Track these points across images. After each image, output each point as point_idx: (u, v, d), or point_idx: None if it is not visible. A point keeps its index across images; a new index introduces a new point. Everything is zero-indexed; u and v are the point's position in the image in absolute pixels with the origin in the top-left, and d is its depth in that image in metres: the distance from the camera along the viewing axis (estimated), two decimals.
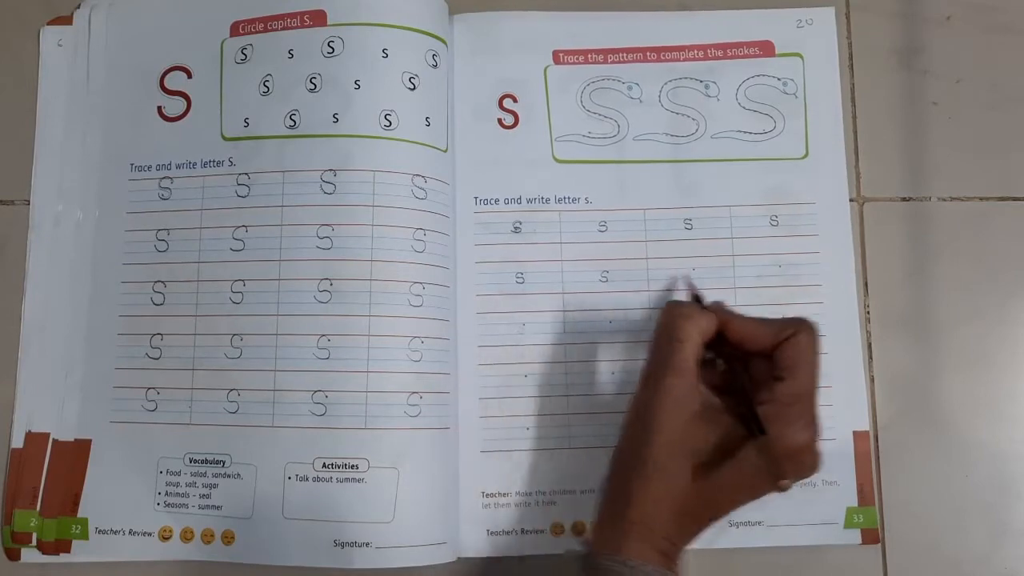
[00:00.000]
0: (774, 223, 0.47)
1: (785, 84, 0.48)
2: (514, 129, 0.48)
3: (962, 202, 0.48)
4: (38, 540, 0.44)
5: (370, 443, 0.42)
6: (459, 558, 0.44)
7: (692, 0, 0.49)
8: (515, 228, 0.47)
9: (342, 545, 0.41)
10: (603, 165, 0.47)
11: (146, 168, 0.47)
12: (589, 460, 0.45)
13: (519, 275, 0.46)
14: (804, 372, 0.38)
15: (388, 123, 0.44)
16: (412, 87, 0.45)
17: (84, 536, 0.44)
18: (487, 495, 0.44)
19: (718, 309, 0.41)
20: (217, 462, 0.43)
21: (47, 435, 0.45)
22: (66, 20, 0.48)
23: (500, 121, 0.48)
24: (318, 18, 0.45)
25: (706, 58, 0.48)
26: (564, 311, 0.46)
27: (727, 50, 0.48)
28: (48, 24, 0.48)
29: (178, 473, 0.44)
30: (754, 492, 0.37)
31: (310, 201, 0.44)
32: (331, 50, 0.45)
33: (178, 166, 0.46)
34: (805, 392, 0.37)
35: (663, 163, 0.47)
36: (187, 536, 0.43)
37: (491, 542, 0.44)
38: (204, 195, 0.46)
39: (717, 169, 0.47)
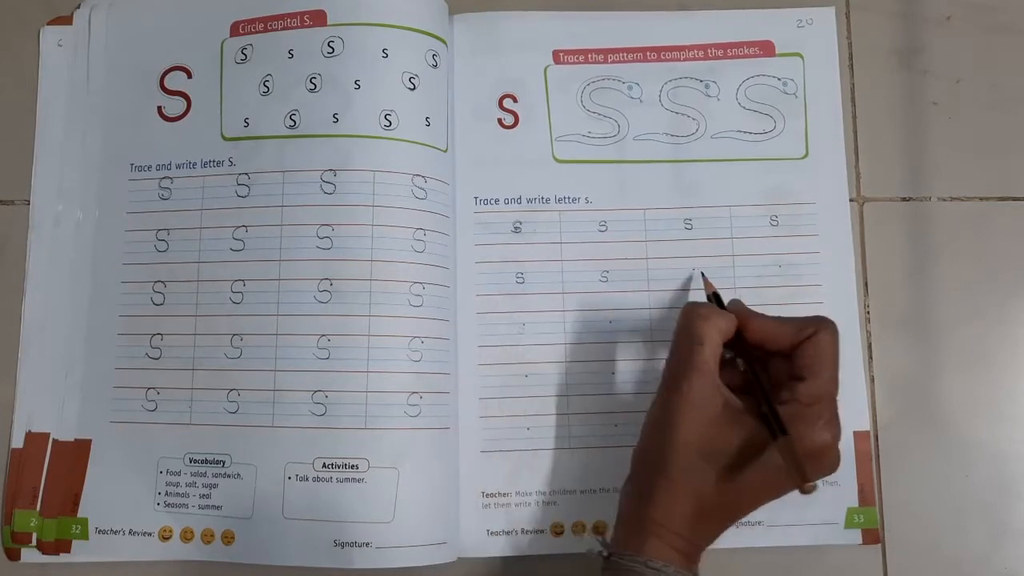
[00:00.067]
0: (774, 223, 0.47)
1: (785, 84, 0.48)
2: (514, 129, 0.48)
3: (962, 202, 0.48)
4: (38, 540, 0.44)
5: (370, 443, 0.42)
6: (459, 558, 0.44)
7: (692, 0, 0.49)
8: (515, 228, 0.47)
9: (342, 545, 0.41)
10: (603, 165, 0.47)
11: (146, 168, 0.47)
12: (589, 460, 0.45)
13: (519, 275, 0.46)
14: (825, 371, 0.38)
15: (388, 123, 0.44)
16: (412, 87, 0.45)
17: (84, 536, 0.44)
18: (487, 495, 0.44)
19: (737, 309, 0.41)
20: (217, 462, 0.43)
21: (47, 435, 0.45)
22: (66, 20, 0.48)
23: (500, 121, 0.48)
24: (318, 18, 0.45)
25: (706, 58, 0.48)
26: (564, 311, 0.46)
27: (727, 50, 0.48)
28: (48, 24, 0.48)
29: (178, 473, 0.44)
30: (777, 492, 0.37)
31: (310, 201, 0.44)
32: (331, 50, 0.45)
33: (178, 166, 0.46)
34: (826, 391, 0.38)
35: (663, 163, 0.47)
36: (187, 536, 0.43)
37: (491, 542, 0.44)
38: (204, 195, 0.46)
39: (717, 169, 0.47)
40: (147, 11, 0.48)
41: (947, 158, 0.48)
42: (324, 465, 0.42)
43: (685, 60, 0.48)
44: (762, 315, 0.40)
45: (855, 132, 0.48)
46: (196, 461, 0.44)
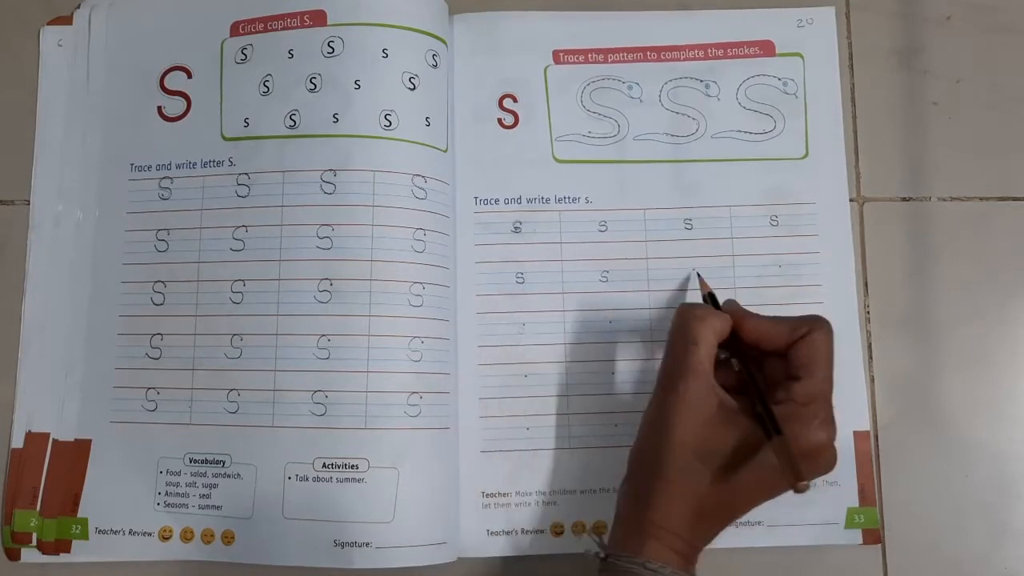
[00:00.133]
0: (774, 223, 0.47)
1: (785, 84, 0.48)
2: (514, 129, 0.48)
3: (962, 202, 0.48)
4: (38, 540, 0.44)
5: (370, 443, 0.42)
6: (459, 558, 0.44)
7: (692, 0, 0.49)
8: (515, 228, 0.47)
9: (342, 545, 0.41)
10: (603, 165, 0.47)
11: (146, 168, 0.47)
12: (589, 460, 0.45)
13: (519, 275, 0.46)
14: (820, 371, 0.38)
15: (388, 123, 0.44)
16: (412, 87, 0.45)
17: (84, 536, 0.44)
18: (487, 495, 0.44)
19: (732, 309, 0.41)
20: (217, 462, 0.43)
21: (47, 435, 0.45)
22: (66, 20, 0.48)
23: (500, 121, 0.48)
24: (318, 18, 0.45)
25: (706, 58, 0.48)
26: (564, 311, 0.46)
27: (727, 50, 0.48)
28: (48, 24, 0.48)
29: (178, 473, 0.44)
30: (772, 492, 0.37)
31: (310, 201, 0.44)
32: (331, 50, 0.45)
33: (178, 166, 0.46)
34: (821, 391, 0.37)
35: (663, 163, 0.47)
36: (187, 536, 0.43)
37: (491, 542, 0.44)
38: (204, 195, 0.46)
39: (717, 169, 0.47)
40: (147, 11, 0.48)
41: (947, 158, 0.48)
42: (324, 465, 0.42)
43: (685, 60, 0.48)
44: (757, 315, 0.40)
45: (855, 132, 0.48)
46: (196, 461, 0.44)
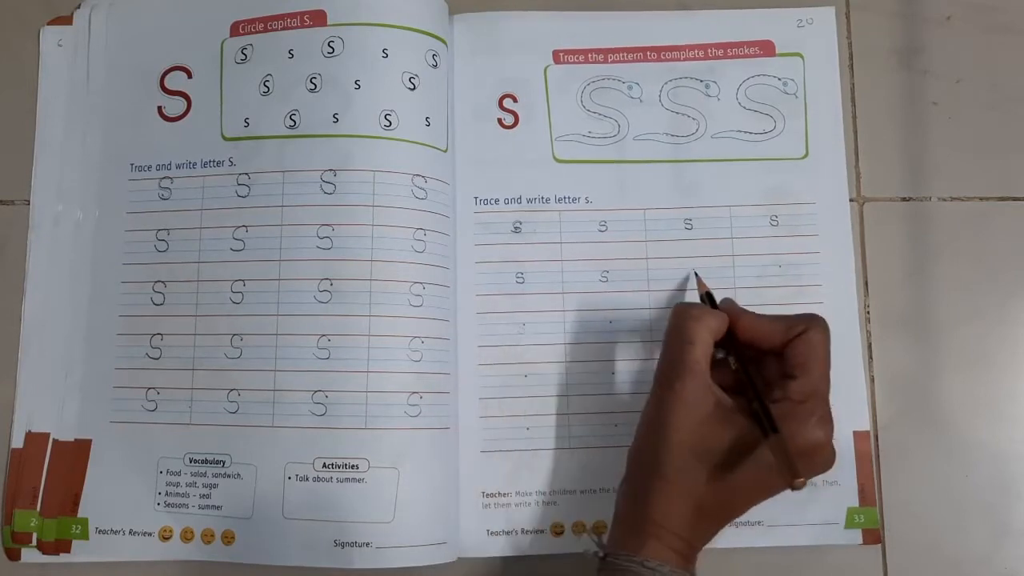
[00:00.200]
0: (774, 223, 0.47)
1: (785, 84, 0.48)
2: (514, 129, 0.48)
3: (962, 202, 0.48)
4: (38, 540, 0.44)
5: (370, 443, 0.42)
6: (459, 558, 0.44)
7: (692, 0, 0.49)
8: (515, 228, 0.47)
9: (342, 545, 0.41)
10: (603, 165, 0.47)
11: (146, 168, 0.47)
12: (589, 460, 0.45)
13: (519, 275, 0.46)
14: (816, 369, 0.38)
15: (388, 123, 0.44)
16: (412, 87, 0.45)
17: (84, 536, 0.44)
18: (487, 495, 0.44)
19: (729, 308, 0.41)
20: (217, 462, 0.43)
21: (47, 435, 0.45)
22: (66, 20, 0.48)
23: (500, 121, 0.48)
24: (318, 18, 0.45)
25: (706, 58, 0.48)
26: (564, 311, 0.46)
27: (727, 50, 0.48)
28: (48, 24, 0.48)
29: (178, 473, 0.44)
30: (770, 491, 0.37)
31: (310, 201, 0.44)
32: (331, 50, 0.45)
33: (178, 166, 0.46)
34: (817, 389, 0.37)
35: (663, 163, 0.47)
36: (187, 536, 0.43)
37: (491, 542, 0.44)
38: (204, 195, 0.46)
39: (717, 169, 0.47)
40: (147, 11, 0.48)
41: (947, 158, 0.48)
42: (324, 465, 0.42)
43: (685, 60, 0.48)
44: (753, 313, 0.40)
45: (855, 132, 0.48)
46: (196, 461, 0.44)
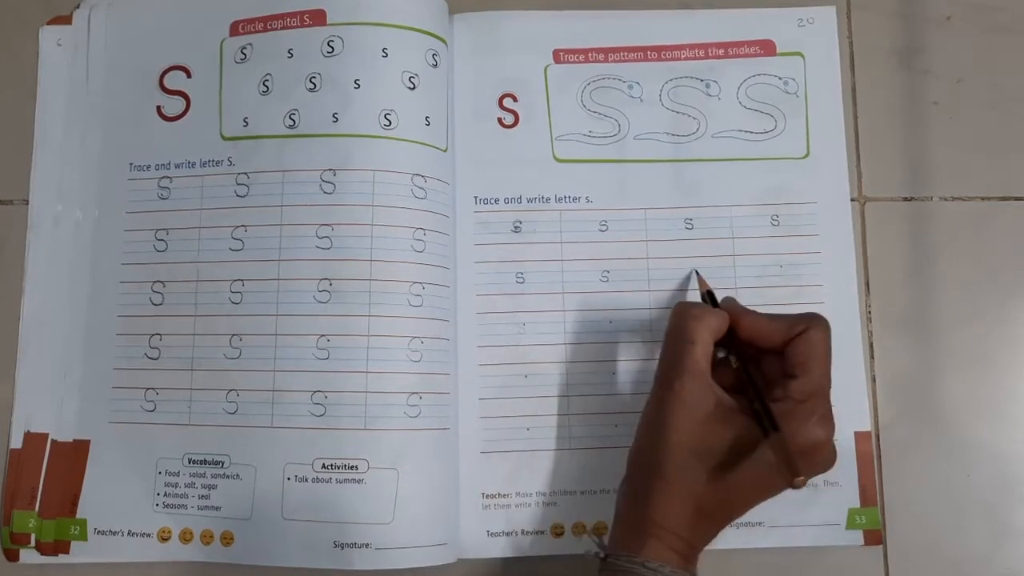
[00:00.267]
0: (775, 223, 0.47)
1: (786, 83, 0.48)
2: (514, 128, 0.47)
3: (963, 202, 0.47)
4: (37, 541, 0.44)
5: (370, 444, 0.42)
6: (459, 559, 0.43)
7: None
8: (515, 228, 0.47)
9: (342, 546, 0.41)
10: (603, 164, 0.47)
11: (145, 168, 0.47)
12: (589, 460, 0.45)
13: (519, 275, 0.46)
14: (817, 368, 0.38)
15: (388, 123, 0.44)
16: (412, 87, 0.45)
17: (83, 537, 0.44)
18: (487, 496, 0.44)
19: (729, 307, 0.41)
20: (216, 463, 0.43)
21: (46, 435, 0.45)
22: (66, 20, 0.48)
23: (500, 120, 0.48)
24: (318, 18, 0.45)
25: (707, 57, 0.48)
26: (564, 311, 0.46)
27: (728, 49, 0.48)
28: (48, 24, 0.48)
29: (177, 474, 0.44)
30: (771, 491, 0.37)
31: (310, 201, 0.44)
32: (331, 50, 0.45)
33: (177, 166, 0.46)
34: (818, 388, 0.37)
35: (664, 162, 0.47)
36: (186, 537, 0.43)
37: (491, 543, 0.44)
38: (203, 195, 0.46)
39: (718, 169, 0.47)
40: (147, 11, 0.48)
41: (948, 158, 0.48)
42: (324, 466, 0.42)
43: (686, 59, 0.48)
44: (754, 312, 0.40)
45: (856, 132, 0.48)
46: (195, 462, 0.44)
